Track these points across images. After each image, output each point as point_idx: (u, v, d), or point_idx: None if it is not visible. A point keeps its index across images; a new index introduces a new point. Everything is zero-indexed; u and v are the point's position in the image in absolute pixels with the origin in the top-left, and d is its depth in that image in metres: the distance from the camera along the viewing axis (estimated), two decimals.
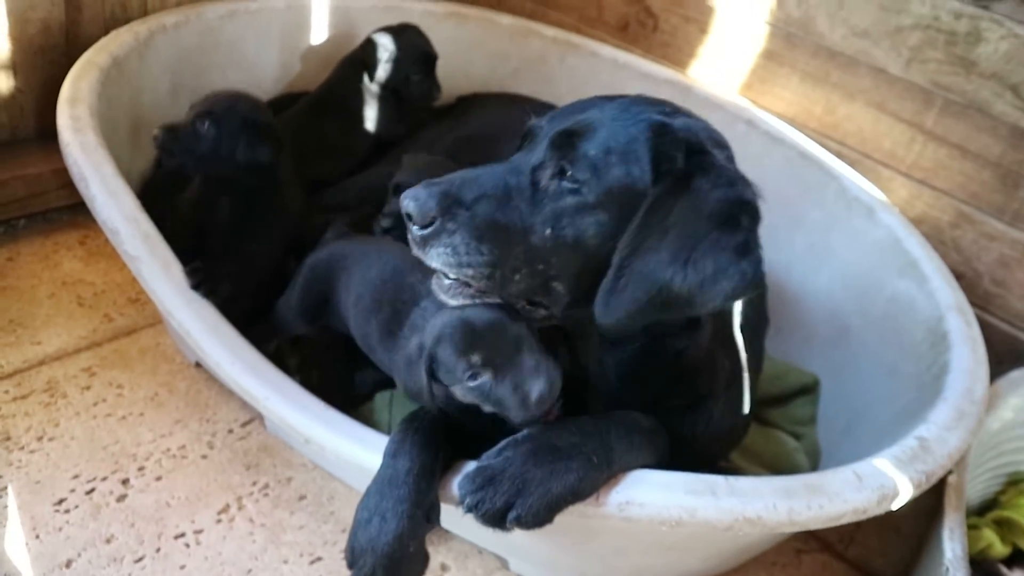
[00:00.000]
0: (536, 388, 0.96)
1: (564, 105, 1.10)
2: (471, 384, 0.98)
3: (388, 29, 1.89)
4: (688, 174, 0.96)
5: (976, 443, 1.31)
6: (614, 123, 0.99)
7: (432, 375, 1.01)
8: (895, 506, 1.01)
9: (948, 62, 1.69)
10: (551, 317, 1.06)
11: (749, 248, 0.94)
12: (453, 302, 1.03)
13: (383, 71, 1.86)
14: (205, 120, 1.43)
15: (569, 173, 0.97)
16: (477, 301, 1.02)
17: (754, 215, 0.97)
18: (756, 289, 0.96)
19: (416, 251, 1.00)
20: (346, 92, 1.91)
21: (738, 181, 0.98)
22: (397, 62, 1.85)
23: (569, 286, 1.01)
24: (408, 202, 0.96)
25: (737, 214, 0.95)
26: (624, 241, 0.95)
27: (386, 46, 1.86)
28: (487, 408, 1.01)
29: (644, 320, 0.98)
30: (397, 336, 1.16)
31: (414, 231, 0.98)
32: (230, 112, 1.46)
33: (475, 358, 0.97)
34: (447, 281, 1.03)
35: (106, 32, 1.66)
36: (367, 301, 1.24)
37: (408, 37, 1.88)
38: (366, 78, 1.88)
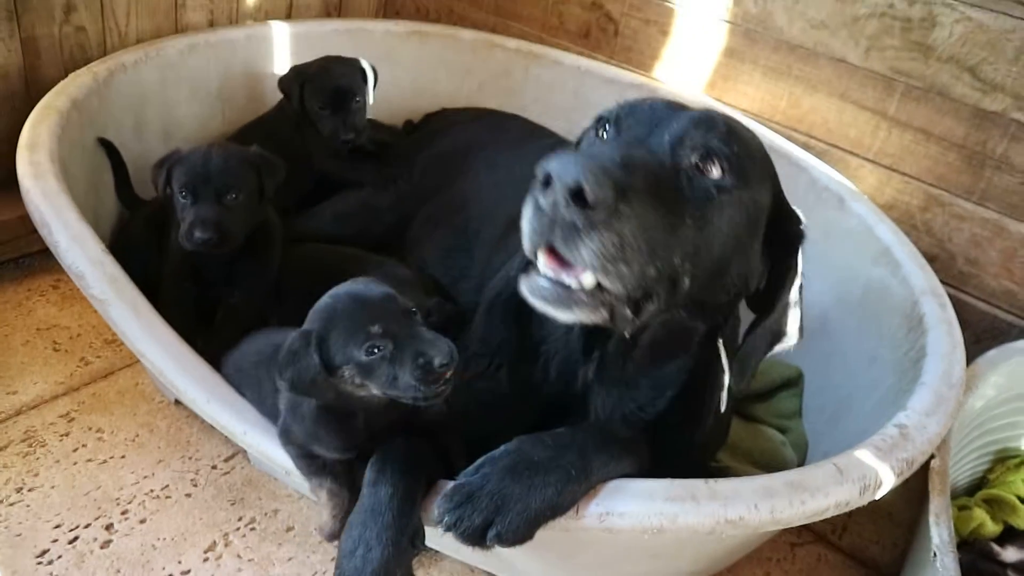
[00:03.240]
0: (438, 355, 0.92)
1: (644, 99, 0.99)
2: (368, 358, 0.92)
3: (313, 62, 1.82)
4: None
5: (960, 423, 1.32)
6: (738, 126, 0.98)
7: (322, 359, 0.94)
8: (878, 496, 1.01)
9: (906, 48, 1.71)
10: (654, 314, 0.93)
11: None
12: (563, 315, 0.86)
13: (295, 103, 1.80)
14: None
15: (717, 157, 0.90)
16: (588, 315, 0.86)
17: None
18: None
19: (552, 238, 0.80)
20: (277, 123, 1.86)
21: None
22: (307, 96, 1.78)
23: (695, 284, 0.93)
24: (578, 170, 0.75)
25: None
26: (776, 313, 1.01)
27: (295, 79, 1.79)
28: (379, 388, 0.95)
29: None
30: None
31: (570, 214, 0.77)
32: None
33: (375, 328, 0.92)
34: (547, 285, 0.85)
35: (66, 75, 1.65)
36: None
37: (321, 70, 1.79)
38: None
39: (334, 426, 1.01)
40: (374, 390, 0.96)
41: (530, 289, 0.87)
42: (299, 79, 1.79)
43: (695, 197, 0.89)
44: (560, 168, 0.77)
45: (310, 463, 1.04)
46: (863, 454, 1.03)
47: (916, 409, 1.13)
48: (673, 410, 1.09)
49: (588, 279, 0.83)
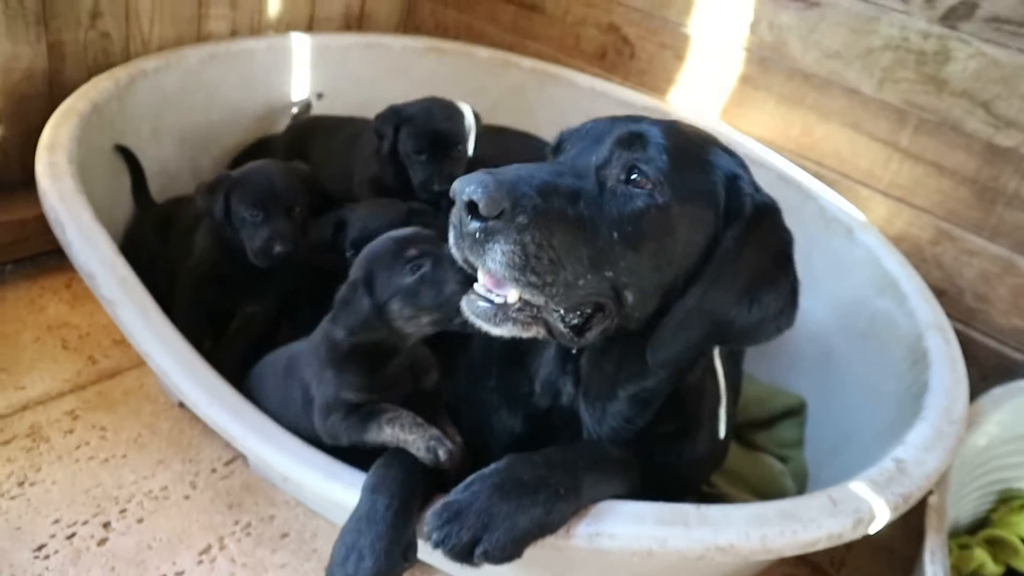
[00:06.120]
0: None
1: (585, 122, 1.04)
2: (413, 278, 1.04)
3: (413, 102, 1.65)
4: (757, 217, 0.98)
5: (963, 461, 1.31)
6: (676, 138, 0.96)
7: (371, 298, 1.06)
8: (872, 530, 1.00)
9: (919, 81, 1.71)
10: (605, 330, 0.97)
11: (797, 288, 1.01)
12: (496, 330, 0.92)
13: (387, 146, 1.62)
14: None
15: (641, 173, 0.92)
16: (522, 330, 0.92)
17: (793, 257, 1.03)
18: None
19: (463, 250, 0.88)
20: (273, 148, 1.90)
21: (784, 224, 1.03)
22: (402, 139, 1.61)
23: (640, 297, 0.95)
24: (472, 187, 0.82)
25: (790, 256, 1.01)
26: (699, 288, 0.96)
27: (391, 117, 1.62)
28: (428, 304, 1.04)
29: (694, 354, 1.03)
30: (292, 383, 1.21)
31: (470, 225, 0.85)
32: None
33: (412, 251, 1.06)
34: (483, 304, 0.91)
35: (89, 79, 1.69)
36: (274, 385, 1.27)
37: (422, 110, 1.61)
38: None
39: (364, 364, 1.12)
40: (423, 316, 1.06)
41: (468, 307, 0.94)
42: (395, 119, 1.62)
43: (624, 213, 0.92)
44: (460, 185, 0.85)
45: (357, 413, 1.11)
46: (858, 487, 1.02)
47: (914, 444, 1.12)
48: (662, 420, 1.09)
49: (512, 294, 0.90)
